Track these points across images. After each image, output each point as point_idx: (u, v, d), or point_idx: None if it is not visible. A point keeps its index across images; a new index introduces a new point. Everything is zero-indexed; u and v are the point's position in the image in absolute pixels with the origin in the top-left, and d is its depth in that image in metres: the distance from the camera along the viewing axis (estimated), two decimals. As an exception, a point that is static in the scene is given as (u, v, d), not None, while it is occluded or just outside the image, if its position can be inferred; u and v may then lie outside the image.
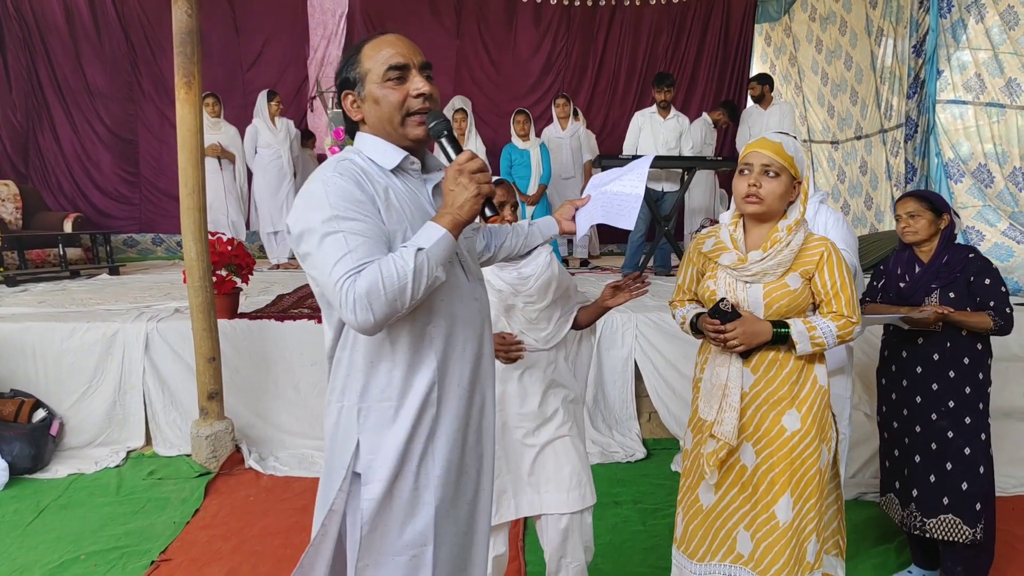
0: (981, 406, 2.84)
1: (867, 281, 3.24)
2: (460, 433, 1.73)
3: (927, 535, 2.81)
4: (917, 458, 2.87)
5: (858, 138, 7.65)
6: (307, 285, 6.13)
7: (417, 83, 1.65)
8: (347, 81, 1.71)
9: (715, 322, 2.14)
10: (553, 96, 8.47)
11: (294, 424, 4.41)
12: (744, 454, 2.16)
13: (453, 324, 1.69)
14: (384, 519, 1.66)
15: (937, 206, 2.91)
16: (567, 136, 7.82)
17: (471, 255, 1.85)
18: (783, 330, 2.12)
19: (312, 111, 8.81)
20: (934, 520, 2.79)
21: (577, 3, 9.42)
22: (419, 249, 1.49)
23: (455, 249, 1.60)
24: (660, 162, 6.36)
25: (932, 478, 2.81)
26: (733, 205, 2.30)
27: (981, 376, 2.86)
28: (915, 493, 2.85)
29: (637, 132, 6.72)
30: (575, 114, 8.00)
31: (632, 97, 9.44)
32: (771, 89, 7.36)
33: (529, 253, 2.29)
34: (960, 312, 2.81)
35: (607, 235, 9.02)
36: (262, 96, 7.66)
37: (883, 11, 7.15)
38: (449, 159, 1.63)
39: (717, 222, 2.54)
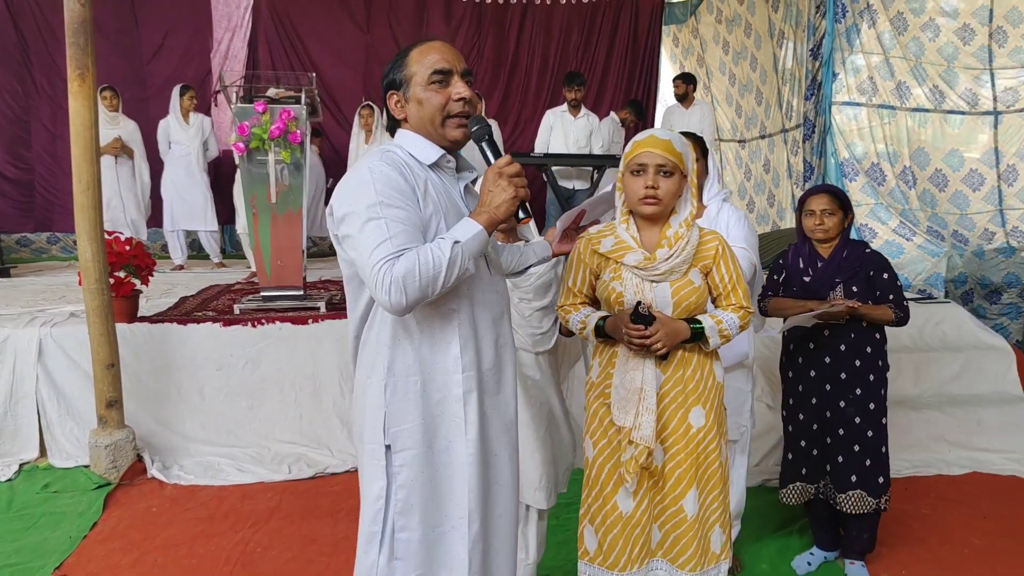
0: (882, 392, 2.99)
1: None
2: (486, 416, 1.85)
3: (838, 507, 2.94)
4: (828, 440, 2.98)
5: (762, 137, 7.91)
6: (212, 287, 5.93)
7: (459, 88, 1.78)
8: (393, 82, 1.83)
9: (639, 328, 2.08)
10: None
11: (199, 431, 4.25)
12: (655, 454, 2.14)
13: (473, 308, 1.82)
14: (418, 490, 1.78)
15: (845, 203, 3.03)
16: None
17: (495, 251, 2.00)
18: (698, 327, 2.14)
19: (216, 105, 8.53)
20: (843, 495, 2.93)
21: (488, 0, 9.42)
22: (456, 242, 1.62)
23: (488, 245, 1.72)
24: (570, 160, 6.42)
25: (840, 459, 2.95)
26: (619, 203, 2.26)
27: (881, 364, 3.00)
28: (828, 468, 2.99)
29: (548, 130, 6.77)
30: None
31: (545, 95, 9.49)
32: (694, 89, 7.53)
33: (523, 272, 2.34)
34: (867, 305, 2.92)
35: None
36: (175, 90, 7.35)
37: (784, 15, 7.42)
38: (488, 161, 1.75)
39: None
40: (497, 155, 1.75)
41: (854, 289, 2.96)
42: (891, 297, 2.94)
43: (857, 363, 2.96)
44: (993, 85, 6.53)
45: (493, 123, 8.02)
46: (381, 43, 9.27)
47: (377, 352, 1.78)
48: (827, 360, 2.99)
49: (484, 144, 1.77)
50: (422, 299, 1.61)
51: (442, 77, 1.77)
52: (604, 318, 2.21)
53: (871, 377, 2.96)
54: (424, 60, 1.78)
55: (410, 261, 1.57)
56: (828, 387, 2.99)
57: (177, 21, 8.81)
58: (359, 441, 1.85)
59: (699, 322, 2.14)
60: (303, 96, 4.60)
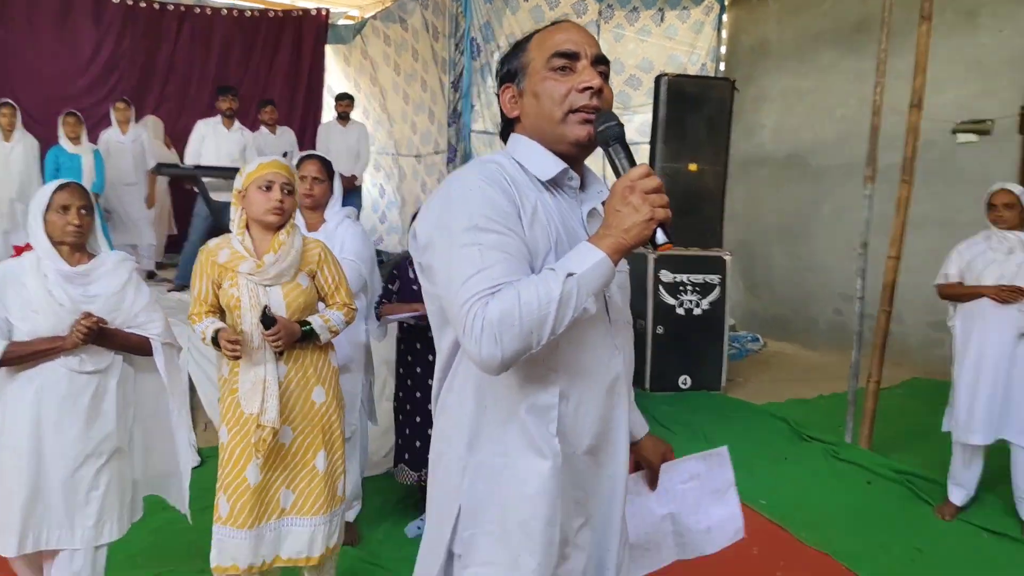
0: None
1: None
2: (582, 516, 1.45)
3: None
4: (430, 431, 3.37)
5: (436, 152, 8.43)
6: None
7: (586, 75, 1.40)
8: (508, 73, 1.49)
9: (269, 332, 2.42)
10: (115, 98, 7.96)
11: None
12: (283, 435, 2.54)
13: (580, 368, 1.40)
14: None
15: None
16: (128, 141, 7.42)
17: (622, 292, 1.54)
18: (307, 327, 2.54)
19: None
20: None
21: (143, 4, 8.97)
22: (569, 274, 1.23)
23: (612, 279, 1.30)
24: (224, 173, 6.40)
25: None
26: (237, 216, 2.56)
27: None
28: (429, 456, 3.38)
29: (200, 141, 6.66)
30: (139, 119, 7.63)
31: (203, 105, 9.21)
32: (352, 108, 7.84)
33: None
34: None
35: (172, 244, 8.66)
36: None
37: (443, 44, 7.98)
38: (618, 171, 1.35)
39: None
40: (632, 162, 1.35)
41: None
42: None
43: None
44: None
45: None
46: (20, 40, 8.41)
47: (458, 421, 1.43)
48: (431, 358, 3.39)
49: (612, 148, 1.37)
50: (524, 350, 1.23)
51: (566, 61, 1.40)
52: (218, 331, 2.50)
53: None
54: (547, 43, 1.43)
55: (508, 300, 1.22)
56: (431, 382, 3.39)
57: None
58: (427, 527, 1.53)
59: (308, 323, 2.56)
60: None
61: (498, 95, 1.52)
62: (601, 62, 1.43)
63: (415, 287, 3.46)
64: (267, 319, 2.42)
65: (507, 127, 1.53)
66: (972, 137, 6.36)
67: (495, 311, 1.21)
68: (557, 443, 1.36)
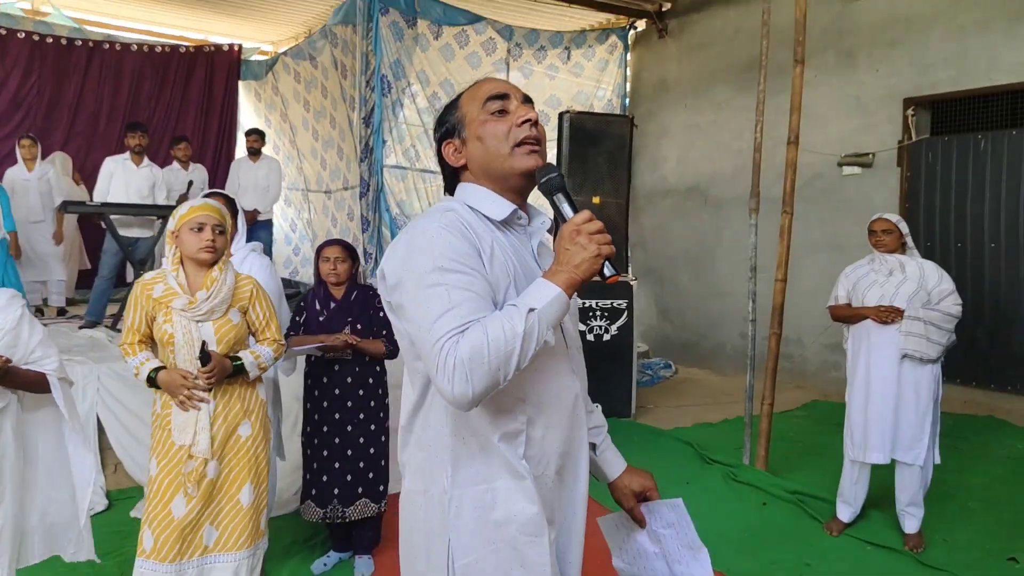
0: (382, 415, 3.58)
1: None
2: (553, 532, 1.55)
3: (347, 520, 3.45)
4: (337, 465, 3.47)
5: (345, 188, 8.48)
6: None
7: (521, 111, 1.53)
8: (447, 131, 1.59)
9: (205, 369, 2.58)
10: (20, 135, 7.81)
11: None
12: (209, 470, 2.65)
13: (543, 394, 1.52)
14: None
15: (354, 254, 3.60)
16: (34, 178, 7.30)
17: (572, 320, 1.66)
18: (239, 363, 2.68)
19: None
20: (352, 507, 3.45)
21: (50, 40, 8.83)
22: (531, 309, 1.34)
23: (567, 311, 1.42)
24: (134, 210, 6.35)
25: (349, 477, 3.46)
26: (171, 254, 2.69)
27: (381, 392, 3.60)
28: (336, 492, 3.45)
29: (108, 178, 6.59)
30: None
31: (113, 141, 9.09)
32: (262, 144, 7.87)
33: None
34: (365, 340, 3.48)
35: (84, 279, 8.46)
36: None
37: (351, 82, 8.09)
38: (562, 217, 1.48)
39: None
40: (574, 209, 1.48)
41: (359, 327, 3.51)
42: (384, 333, 3.54)
43: (361, 392, 3.51)
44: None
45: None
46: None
47: (437, 455, 1.49)
48: (336, 392, 3.50)
49: (556, 198, 1.51)
50: (492, 387, 1.32)
51: (500, 104, 1.53)
52: (156, 369, 2.64)
53: (372, 403, 3.54)
54: (477, 93, 1.56)
55: (477, 338, 1.30)
56: (337, 415, 3.49)
57: None
58: (406, 568, 1.59)
59: (239, 358, 2.69)
60: None
61: (439, 153, 1.62)
62: (528, 101, 1.58)
63: (321, 319, 3.54)
64: (205, 355, 2.56)
65: (452, 178, 1.63)
66: (856, 169, 6.81)
67: (465, 350, 1.29)
68: (525, 465, 1.47)
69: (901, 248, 3.92)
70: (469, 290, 1.37)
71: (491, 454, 1.47)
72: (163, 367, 2.66)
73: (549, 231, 1.62)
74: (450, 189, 1.64)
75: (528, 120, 1.52)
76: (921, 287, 3.80)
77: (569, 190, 1.52)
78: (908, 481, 3.83)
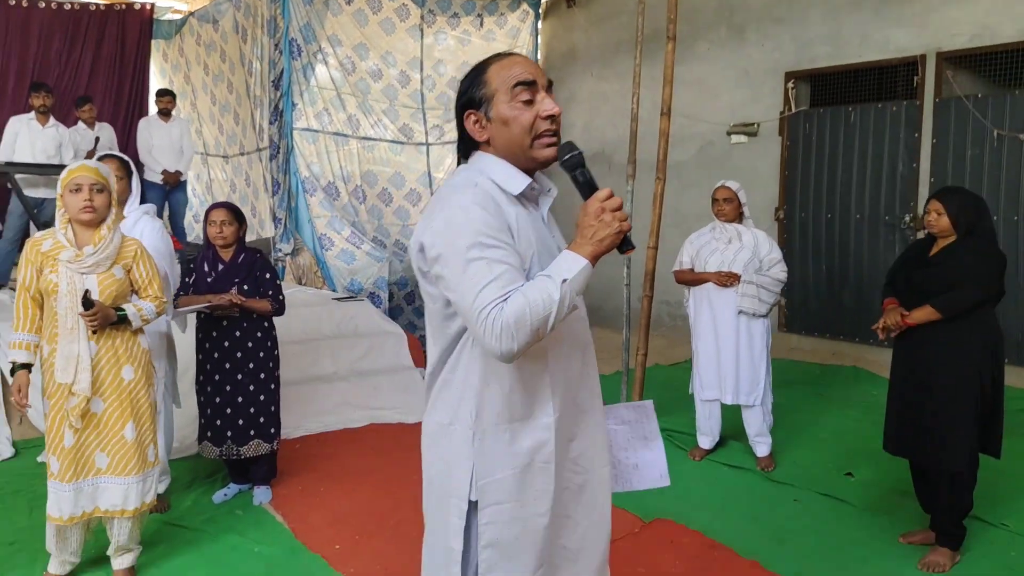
0: (271, 365, 3.88)
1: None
2: (568, 458, 1.77)
3: (243, 457, 3.79)
4: (229, 410, 3.77)
5: (242, 154, 8.55)
6: None
7: (546, 104, 1.65)
8: (472, 100, 1.69)
9: (87, 313, 2.81)
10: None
11: None
12: (94, 405, 2.95)
13: (562, 345, 1.73)
14: (505, 548, 1.69)
15: (240, 216, 3.82)
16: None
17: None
18: (122, 312, 2.93)
19: None
20: (245, 447, 3.79)
21: (-47, -3, 8.62)
22: (564, 280, 1.52)
23: (589, 279, 1.59)
24: (39, 170, 6.39)
25: (241, 421, 3.78)
26: (59, 214, 2.93)
27: (270, 344, 3.89)
28: (229, 434, 3.78)
29: (13, 137, 6.62)
30: None
31: (21, 101, 8.93)
32: (173, 105, 7.90)
33: None
34: (251, 299, 3.74)
35: None
36: None
37: (251, 47, 8.08)
38: (583, 193, 1.64)
39: None
40: (594, 187, 1.64)
41: (246, 287, 3.76)
42: (270, 293, 3.81)
43: (250, 344, 3.79)
44: (425, 122, 8.12)
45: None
46: None
47: (463, 396, 1.69)
48: (226, 344, 3.77)
49: (578, 173, 1.65)
50: (532, 343, 1.53)
51: (528, 93, 1.65)
52: (23, 365, 2.97)
53: (261, 355, 3.83)
54: (505, 74, 1.66)
55: (520, 304, 1.49)
56: (228, 365, 3.77)
57: None
58: (432, 492, 1.78)
59: (123, 309, 2.95)
60: None
61: (460, 119, 1.73)
62: (550, 87, 1.71)
63: (209, 280, 3.78)
64: (87, 301, 2.81)
65: (468, 147, 1.76)
66: (743, 138, 7.24)
67: (511, 315, 1.48)
68: (551, 396, 1.70)
69: (739, 217, 4.34)
70: (505, 262, 1.54)
71: (516, 396, 1.67)
72: (28, 365, 2.97)
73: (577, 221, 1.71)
74: (465, 154, 1.78)
75: (551, 115, 1.66)
76: (755, 255, 4.26)
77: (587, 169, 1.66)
78: (752, 419, 4.36)
